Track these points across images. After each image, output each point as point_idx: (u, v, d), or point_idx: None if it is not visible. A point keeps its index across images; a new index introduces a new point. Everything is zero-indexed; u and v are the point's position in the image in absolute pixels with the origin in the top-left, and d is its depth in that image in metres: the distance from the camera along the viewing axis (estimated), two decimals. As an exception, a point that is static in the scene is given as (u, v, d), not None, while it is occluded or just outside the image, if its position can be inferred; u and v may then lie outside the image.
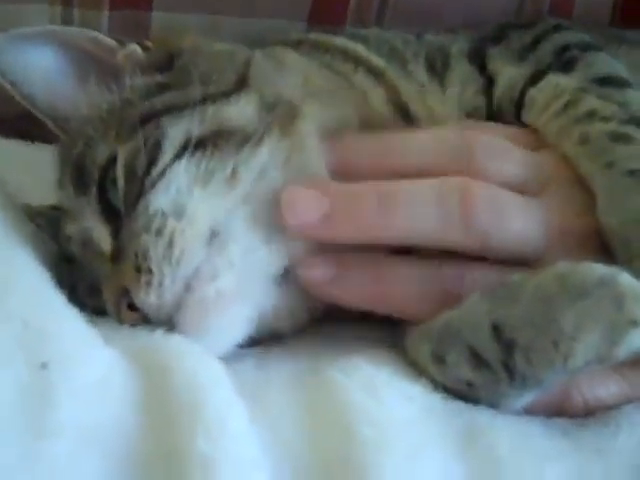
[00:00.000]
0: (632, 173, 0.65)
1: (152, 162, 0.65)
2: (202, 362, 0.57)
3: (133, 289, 0.62)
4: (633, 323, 0.54)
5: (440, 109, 0.77)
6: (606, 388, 0.62)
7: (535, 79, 0.77)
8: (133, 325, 0.63)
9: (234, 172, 0.65)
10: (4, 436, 0.47)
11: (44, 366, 0.52)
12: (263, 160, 0.66)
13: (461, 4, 1.02)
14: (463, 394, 0.61)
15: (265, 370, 0.63)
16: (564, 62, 0.78)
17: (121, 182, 0.65)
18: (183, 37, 0.77)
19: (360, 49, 0.81)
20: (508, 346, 0.57)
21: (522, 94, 0.77)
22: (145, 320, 0.62)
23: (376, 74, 0.79)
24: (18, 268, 0.61)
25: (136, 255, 0.62)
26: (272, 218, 0.65)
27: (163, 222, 0.62)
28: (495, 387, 0.59)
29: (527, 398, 0.60)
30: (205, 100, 0.67)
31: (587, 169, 0.68)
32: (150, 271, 0.62)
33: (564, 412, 0.62)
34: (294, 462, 0.52)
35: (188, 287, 0.62)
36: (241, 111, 0.67)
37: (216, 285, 0.62)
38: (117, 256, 0.65)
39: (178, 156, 0.65)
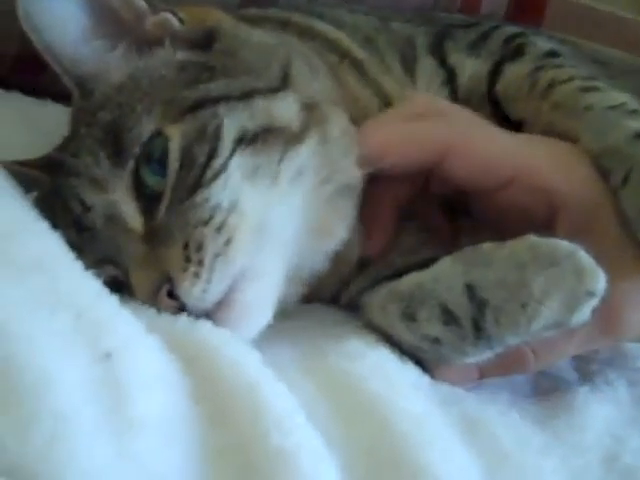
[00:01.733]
0: (613, 108, 0.72)
1: (212, 152, 0.63)
2: (245, 353, 0.58)
3: (178, 278, 0.61)
4: (590, 294, 0.62)
5: None
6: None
7: (495, 73, 0.83)
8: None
9: (277, 169, 0.66)
10: (91, 438, 0.47)
11: (107, 357, 0.51)
12: (303, 160, 0.67)
13: None
14: (425, 353, 0.67)
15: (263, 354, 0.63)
16: (513, 50, 0.86)
17: (175, 165, 0.63)
18: (211, 12, 0.75)
19: (342, 38, 0.83)
20: (480, 305, 0.64)
21: (489, 89, 0.83)
22: (180, 309, 0.62)
23: (359, 67, 0.81)
24: (54, 250, 0.58)
25: (186, 245, 0.61)
26: (298, 220, 0.68)
27: (224, 219, 0.62)
28: (460, 344, 0.66)
29: (483, 357, 0.67)
30: (254, 93, 0.67)
31: (569, 123, 0.74)
32: (201, 263, 0.61)
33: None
34: (342, 452, 0.55)
35: (234, 285, 0.62)
36: (288, 109, 0.68)
37: (258, 285, 0.64)
38: (154, 239, 0.63)
39: (234, 149, 0.64)
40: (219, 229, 0.62)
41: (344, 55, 0.82)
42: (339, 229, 0.72)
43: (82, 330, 0.52)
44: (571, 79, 0.78)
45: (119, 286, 0.63)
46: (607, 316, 0.66)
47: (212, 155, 0.64)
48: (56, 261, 0.57)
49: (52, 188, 0.68)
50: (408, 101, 0.78)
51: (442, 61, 0.86)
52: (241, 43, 0.72)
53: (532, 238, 0.65)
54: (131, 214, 0.65)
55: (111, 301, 0.57)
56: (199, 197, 0.63)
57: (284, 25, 0.83)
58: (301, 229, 0.68)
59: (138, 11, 0.70)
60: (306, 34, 0.82)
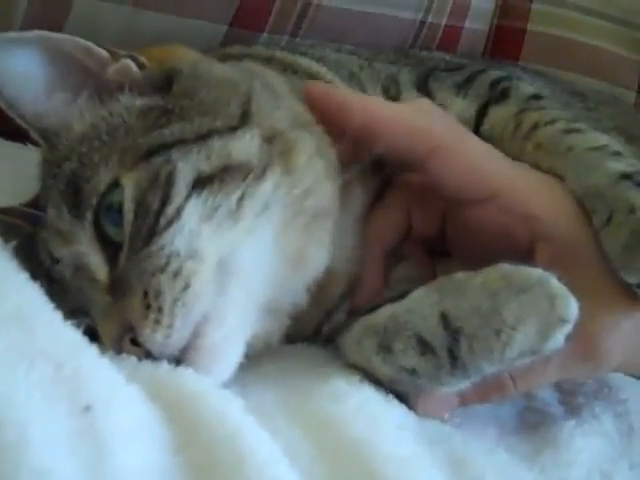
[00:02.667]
0: (596, 149, 0.73)
1: (165, 199, 0.63)
2: (227, 400, 0.58)
3: (139, 326, 0.61)
4: (562, 320, 0.62)
5: None
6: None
7: (481, 115, 0.85)
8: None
9: (239, 206, 0.65)
10: None
11: (87, 410, 0.51)
12: (267, 194, 0.67)
13: (369, 28, 1.09)
14: (403, 385, 0.67)
15: (246, 399, 0.62)
16: (499, 93, 0.87)
17: (130, 215, 0.64)
18: (174, 51, 0.75)
19: (324, 72, 0.84)
20: (454, 333, 0.64)
21: (475, 130, 0.84)
22: (147, 355, 0.62)
23: None
24: (33, 301, 0.57)
25: (146, 293, 0.61)
26: (271, 253, 0.67)
27: (180, 265, 0.62)
28: (436, 374, 0.66)
29: (461, 387, 0.67)
30: (211, 134, 0.67)
31: (552, 163, 0.75)
32: (160, 310, 0.61)
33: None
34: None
35: (197, 331, 0.62)
36: (247, 146, 0.67)
37: (223, 327, 0.63)
38: (116, 288, 0.63)
39: (189, 194, 0.64)
40: (175, 275, 0.62)
41: None
42: (317, 256, 0.72)
43: (61, 382, 0.51)
44: (555, 121, 0.79)
45: (95, 335, 0.63)
46: (585, 345, 0.67)
47: (165, 202, 0.63)
48: (35, 312, 0.56)
49: (29, 238, 0.68)
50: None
51: (428, 97, 0.87)
52: (201, 82, 0.71)
53: (504, 266, 0.65)
54: (97, 264, 0.65)
55: (90, 351, 0.56)
56: (154, 245, 0.63)
57: (268, 61, 0.84)
58: (275, 261, 0.68)
59: (100, 60, 0.70)
60: (289, 69, 0.83)
